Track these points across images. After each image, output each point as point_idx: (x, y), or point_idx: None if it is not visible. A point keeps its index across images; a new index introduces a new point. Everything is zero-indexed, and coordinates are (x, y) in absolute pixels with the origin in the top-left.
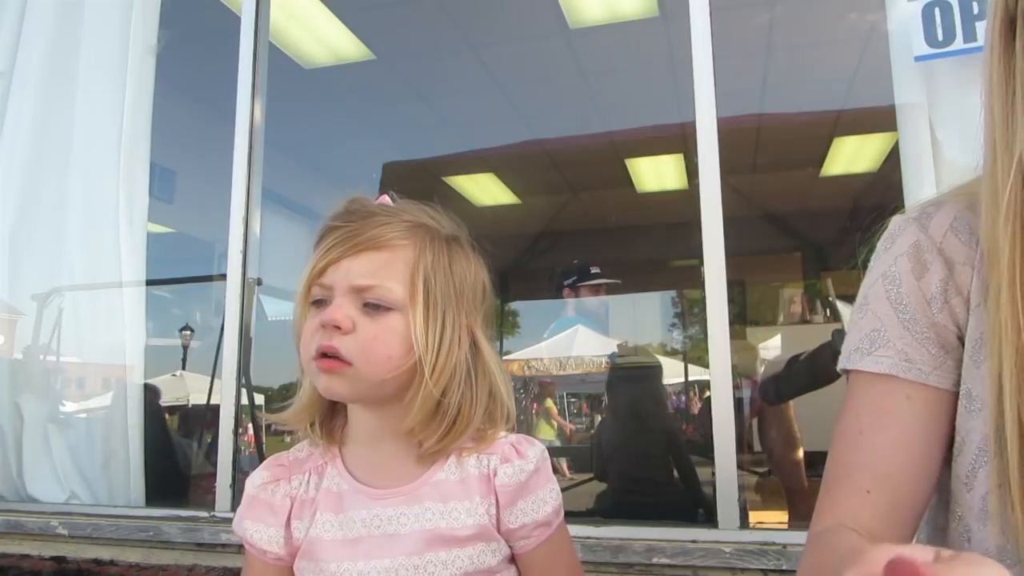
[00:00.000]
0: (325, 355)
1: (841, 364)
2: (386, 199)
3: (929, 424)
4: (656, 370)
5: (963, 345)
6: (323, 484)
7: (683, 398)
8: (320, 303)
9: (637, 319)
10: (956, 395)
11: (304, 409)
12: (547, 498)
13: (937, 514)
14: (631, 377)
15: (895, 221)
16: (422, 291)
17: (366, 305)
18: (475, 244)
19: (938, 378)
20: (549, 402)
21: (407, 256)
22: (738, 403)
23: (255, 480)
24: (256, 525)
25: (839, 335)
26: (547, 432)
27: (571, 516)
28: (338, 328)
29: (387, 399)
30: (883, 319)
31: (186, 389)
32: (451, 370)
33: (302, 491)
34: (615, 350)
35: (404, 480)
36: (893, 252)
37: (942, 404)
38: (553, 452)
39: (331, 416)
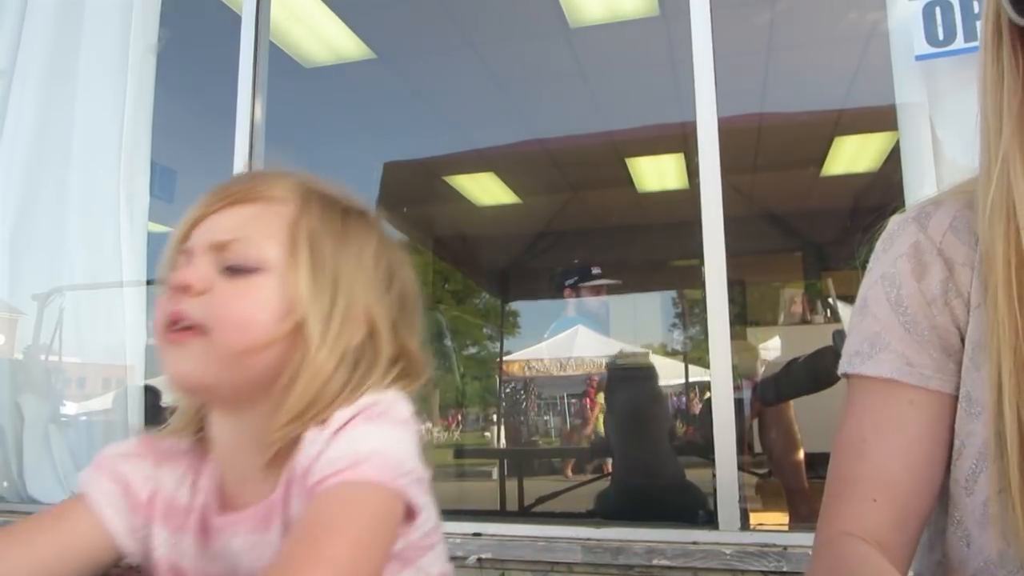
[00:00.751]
0: (173, 325)
1: (841, 368)
2: None
3: (932, 429)
4: (651, 372)
5: (964, 347)
6: (197, 498)
7: (684, 399)
8: None
9: (637, 319)
10: (957, 399)
11: (181, 425)
12: (345, 450)
13: (938, 516)
14: (627, 379)
15: (894, 221)
16: (307, 250)
17: (228, 269)
18: (397, 236)
19: (940, 382)
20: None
21: (285, 211)
22: (738, 404)
23: (114, 448)
24: (108, 486)
25: (839, 336)
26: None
27: (572, 517)
28: (188, 289)
29: (251, 393)
30: (883, 322)
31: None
32: (340, 355)
33: (172, 490)
34: (615, 354)
35: (260, 496)
36: (892, 253)
37: (944, 408)
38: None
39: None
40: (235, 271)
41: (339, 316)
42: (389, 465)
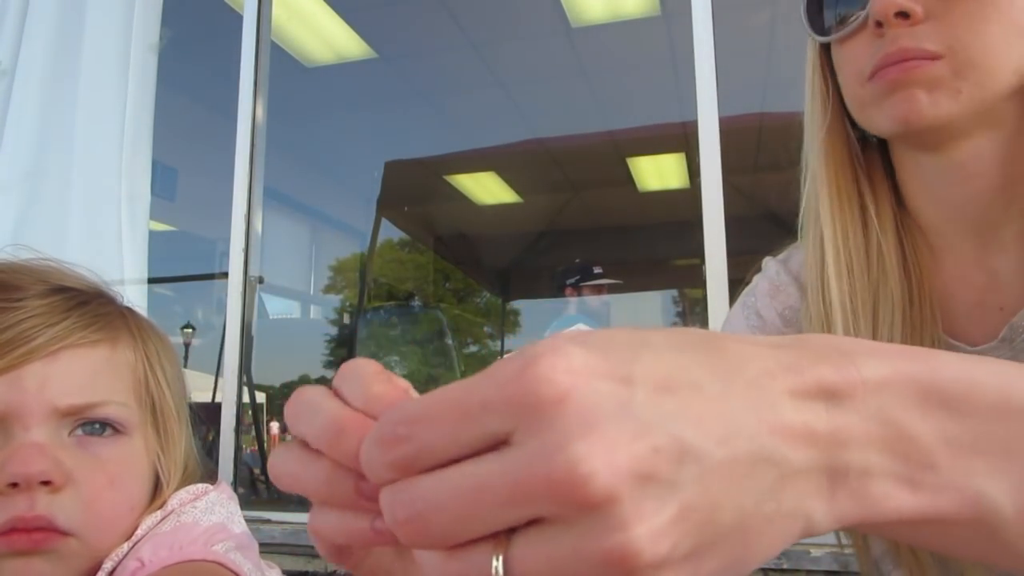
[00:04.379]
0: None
1: None
2: None
3: None
4: None
5: None
6: None
7: None
8: None
9: (638, 318)
10: None
11: None
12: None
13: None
14: None
15: (764, 261)
16: (156, 397)
17: (78, 437)
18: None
19: None
20: None
21: (128, 349)
22: None
23: None
24: None
25: None
26: None
27: None
28: (47, 484)
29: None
30: (736, 326)
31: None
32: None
33: None
34: None
35: None
36: (757, 279)
37: None
38: None
39: None
40: (86, 438)
41: (185, 452)
42: (197, 540)
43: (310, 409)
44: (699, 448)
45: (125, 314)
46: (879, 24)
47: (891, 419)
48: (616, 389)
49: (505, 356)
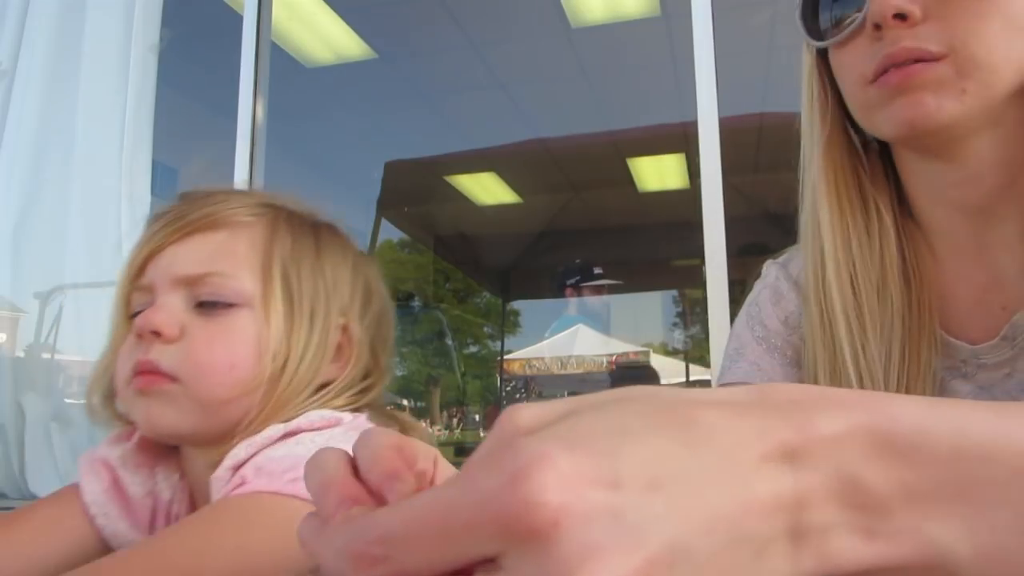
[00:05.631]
0: (142, 375)
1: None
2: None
3: None
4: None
5: None
6: (185, 504)
7: None
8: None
9: (638, 318)
10: None
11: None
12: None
13: None
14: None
15: (765, 265)
16: (280, 282)
17: (201, 305)
18: (357, 245)
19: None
20: None
21: (255, 237)
22: None
23: (110, 449)
24: (100, 487)
25: None
26: None
27: None
28: (158, 335)
29: (225, 433)
30: (742, 339)
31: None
32: (313, 386)
33: (165, 494)
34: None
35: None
36: (758, 287)
37: None
38: None
39: None
40: (208, 308)
41: (315, 348)
42: (299, 478)
43: (317, 467)
44: (689, 545)
45: (276, 214)
46: (877, 27)
47: (848, 472)
48: (607, 498)
49: (481, 449)
